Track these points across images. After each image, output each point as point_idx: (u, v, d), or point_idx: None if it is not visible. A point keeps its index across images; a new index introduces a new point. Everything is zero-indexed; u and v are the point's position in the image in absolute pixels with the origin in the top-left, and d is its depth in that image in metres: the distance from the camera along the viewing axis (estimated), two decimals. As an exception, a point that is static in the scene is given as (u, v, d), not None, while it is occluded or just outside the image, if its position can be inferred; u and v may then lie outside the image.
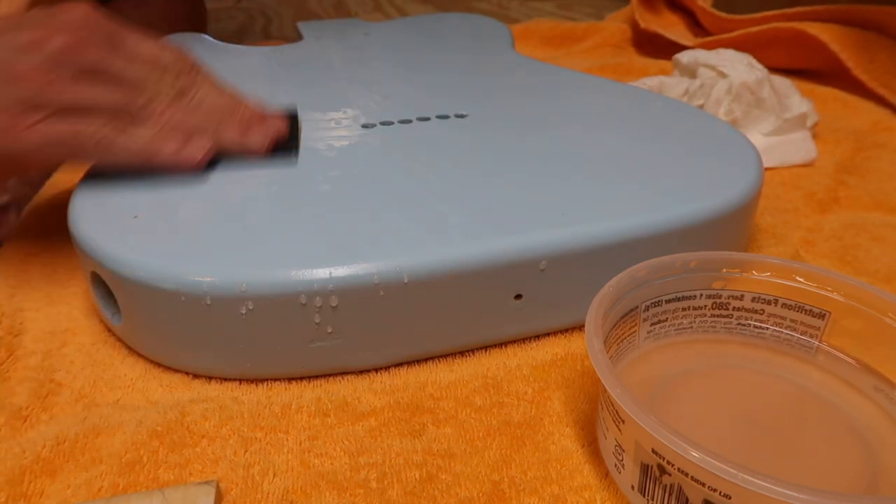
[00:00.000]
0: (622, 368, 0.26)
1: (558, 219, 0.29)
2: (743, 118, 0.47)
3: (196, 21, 0.74)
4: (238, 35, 0.91)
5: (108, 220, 0.29)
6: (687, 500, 0.20)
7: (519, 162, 0.34)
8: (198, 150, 0.32)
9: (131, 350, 0.30)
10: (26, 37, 0.28)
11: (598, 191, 0.31)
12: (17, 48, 0.28)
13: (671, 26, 0.71)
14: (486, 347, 0.30)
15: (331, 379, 0.28)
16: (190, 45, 0.54)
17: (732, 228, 0.32)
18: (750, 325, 0.28)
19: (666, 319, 0.28)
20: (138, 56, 0.31)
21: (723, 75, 0.48)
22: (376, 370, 0.29)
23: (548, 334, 0.31)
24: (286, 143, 0.36)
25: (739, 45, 0.57)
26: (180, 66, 0.33)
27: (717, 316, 0.28)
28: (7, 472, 0.24)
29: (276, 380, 0.28)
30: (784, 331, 0.28)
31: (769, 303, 0.27)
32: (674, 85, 0.51)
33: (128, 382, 0.28)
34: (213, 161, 0.33)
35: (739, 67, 0.48)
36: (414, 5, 1.03)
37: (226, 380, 0.28)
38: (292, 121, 0.38)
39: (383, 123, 0.39)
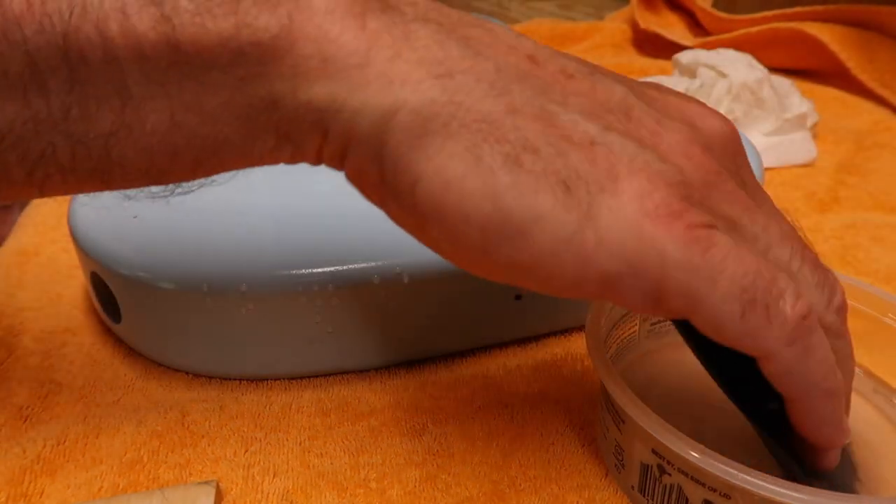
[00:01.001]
0: (622, 368, 0.26)
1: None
2: (743, 118, 0.47)
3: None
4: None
5: (108, 220, 0.29)
6: (687, 500, 0.20)
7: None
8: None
9: (131, 350, 0.30)
10: (678, 108, 0.19)
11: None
12: (666, 114, 0.18)
13: (671, 26, 0.71)
14: (486, 347, 0.30)
15: (331, 379, 0.28)
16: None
17: (732, 228, 0.32)
18: (750, 325, 0.28)
19: (666, 319, 0.27)
20: (770, 208, 0.19)
21: (723, 75, 0.48)
22: (376, 370, 0.29)
23: (548, 334, 0.31)
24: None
25: (739, 45, 0.57)
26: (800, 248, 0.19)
27: (717, 316, 0.28)
28: (7, 471, 0.24)
29: (276, 380, 0.28)
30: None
31: (769, 303, 0.27)
32: (674, 85, 0.51)
33: (128, 382, 0.28)
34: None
35: (739, 67, 0.48)
36: (414, 5, 1.03)
37: (226, 380, 0.28)
38: None
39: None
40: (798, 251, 0.18)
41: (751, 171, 0.20)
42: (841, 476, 0.21)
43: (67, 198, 0.31)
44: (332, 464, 0.24)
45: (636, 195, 0.16)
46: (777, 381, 0.17)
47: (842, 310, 0.19)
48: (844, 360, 0.19)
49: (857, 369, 0.26)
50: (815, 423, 0.18)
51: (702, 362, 0.20)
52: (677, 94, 0.20)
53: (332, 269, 0.26)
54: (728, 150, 0.19)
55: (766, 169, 0.45)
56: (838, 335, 0.19)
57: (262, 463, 0.24)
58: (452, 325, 0.28)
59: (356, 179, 0.18)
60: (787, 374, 0.17)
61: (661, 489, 0.21)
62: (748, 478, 0.18)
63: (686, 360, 0.27)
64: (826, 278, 0.19)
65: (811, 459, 0.20)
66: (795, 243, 0.18)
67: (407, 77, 0.16)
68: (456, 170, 0.15)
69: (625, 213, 0.16)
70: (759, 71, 0.48)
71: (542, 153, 0.16)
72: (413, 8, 0.17)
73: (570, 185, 0.16)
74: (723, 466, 0.18)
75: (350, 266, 0.26)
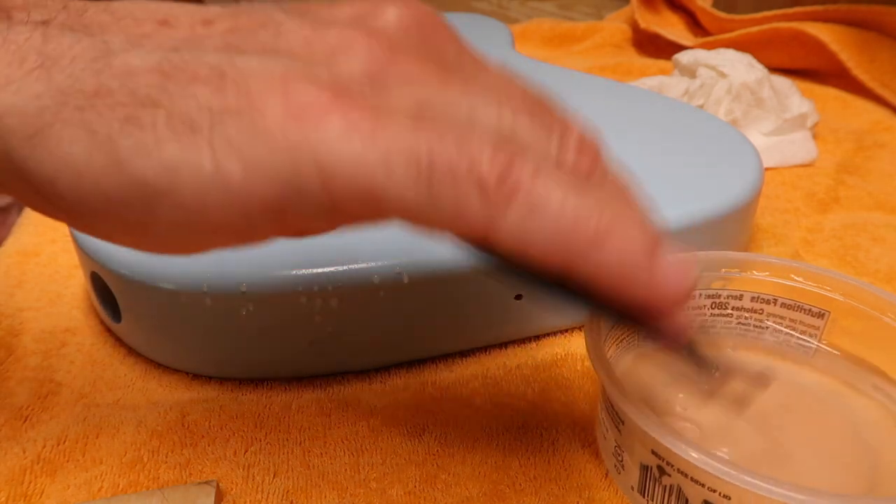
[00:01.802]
0: (622, 369, 0.26)
1: (558, 219, 0.29)
2: (743, 118, 0.47)
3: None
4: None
5: (108, 221, 0.29)
6: (686, 500, 0.20)
7: (519, 162, 0.34)
8: (682, 270, 0.16)
9: (131, 350, 0.30)
10: (346, 10, 0.17)
11: (597, 191, 0.31)
12: (329, 19, 0.17)
13: (671, 26, 0.71)
14: (486, 347, 0.30)
15: (331, 379, 0.28)
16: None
17: (732, 228, 0.32)
18: (749, 324, 0.28)
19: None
20: (487, 77, 0.18)
21: (723, 75, 0.48)
22: (376, 370, 0.29)
23: (548, 334, 0.31)
24: None
25: (739, 45, 0.57)
26: (543, 110, 0.17)
27: (717, 315, 0.28)
28: (7, 471, 0.24)
29: (276, 380, 0.28)
30: (783, 330, 0.28)
31: (768, 302, 0.27)
32: (674, 85, 0.51)
33: (128, 382, 0.28)
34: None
35: (739, 67, 0.48)
36: (414, 5, 1.03)
37: (226, 380, 0.28)
38: None
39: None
40: (508, 107, 0.16)
41: (459, 46, 0.17)
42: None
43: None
44: (332, 464, 0.24)
45: (276, 105, 0.14)
46: (521, 256, 0.15)
47: (584, 150, 0.16)
48: (614, 198, 0.16)
49: (856, 367, 0.26)
50: (611, 281, 0.15)
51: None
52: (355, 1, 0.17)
53: (332, 269, 0.26)
54: (412, 34, 0.17)
55: (767, 169, 0.45)
56: (588, 175, 0.16)
57: (262, 463, 0.24)
58: (452, 325, 0.28)
59: (29, 204, 0.16)
60: (525, 242, 0.14)
61: (660, 490, 0.21)
62: (747, 478, 0.18)
63: (686, 361, 0.27)
64: (551, 124, 0.16)
65: (663, 335, 0.17)
66: (506, 100, 0.16)
67: (3, 81, 0.15)
68: (79, 153, 0.14)
69: (265, 128, 0.14)
70: (759, 71, 0.48)
71: (162, 103, 0.14)
72: (27, 13, 0.16)
73: (196, 125, 0.14)
74: (722, 467, 0.18)
75: (350, 266, 0.26)
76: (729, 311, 0.28)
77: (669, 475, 0.20)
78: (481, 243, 0.15)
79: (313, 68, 0.15)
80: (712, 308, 0.28)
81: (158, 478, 0.24)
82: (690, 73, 0.51)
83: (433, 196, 0.14)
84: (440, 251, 0.27)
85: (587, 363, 0.29)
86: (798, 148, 0.46)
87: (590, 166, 0.16)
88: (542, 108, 0.16)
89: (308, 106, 0.14)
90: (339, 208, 0.15)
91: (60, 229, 0.37)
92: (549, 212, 0.14)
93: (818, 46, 0.57)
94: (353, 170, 0.14)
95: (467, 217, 0.14)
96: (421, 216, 0.14)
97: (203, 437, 0.25)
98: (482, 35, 0.59)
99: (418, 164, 0.14)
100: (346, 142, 0.14)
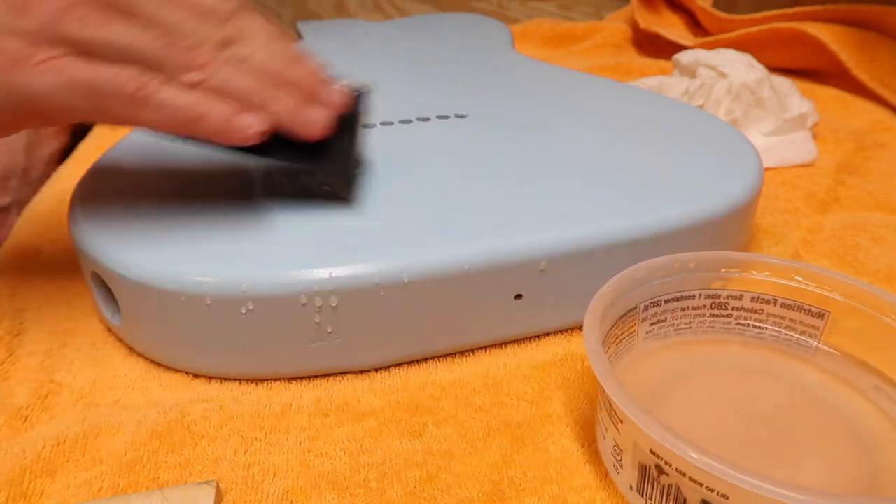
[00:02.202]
0: (621, 369, 0.26)
1: (558, 219, 0.29)
2: (743, 118, 0.47)
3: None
4: (238, 35, 0.91)
5: (108, 220, 0.29)
6: (685, 500, 0.20)
7: (519, 162, 0.34)
8: (252, 121, 0.26)
9: (131, 350, 0.30)
10: None
11: (597, 191, 0.31)
12: None
13: (671, 26, 0.71)
14: (486, 347, 0.30)
15: (331, 379, 0.28)
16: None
17: (732, 228, 0.32)
18: (749, 325, 0.28)
19: (665, 319, 0.28)
20: (153, 10, 0.26)
21: (723, 75, 0.48)
22: (376, 370, 0.29)
23: (548, 334, 0.31)
24: (342, 146, 0.29)
25: (739, 45, 0.57)
26: (225, 10, 0.27)
27: (716, 316, 0.28)
28: (7, 472, 0.24)
29: (276, 380, 0.28)
30: (783, 331, 0.28)
31: (768, 302, 0.27)
32: (674, 85, 0.51)
33: (128, 382, 0.28)
34: (269, 144, 0.27)
35: (739, 67, 0.48)
36: (414, 5, 1.03)
37: (226, 380, 0.28)
38: (349, 118, 0.30)
39: (383, 124, 0.39)
40: (148, 37, 0.25)
41: None
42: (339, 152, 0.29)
43: (67, 197, 0.31)
44: (332, 464, 0.24)
45: None
46: (164, 133, 0.26)
47: (201, 61, 0.25)
48: (221, 84, 0.26)
49: (856, 367, 0.26)
50: (215, 136, 0.26)
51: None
52: None
53: (332, 269, 0.26)
54: None
55: (767, 169, 0.45)
56: (201, 79, 0.25)
57: (262, 463, 0.24)
58: (452, 325, 0.28)
59: None
60: (156, 126, 0.25)
61: (659, 489, 0.21)
62: (746, 478, 0.18)
63: (684, 361, 0.27)
64: (172, 48, 0.25)
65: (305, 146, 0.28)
66: (144, 36, 0.25)
67: None
68: None
69: None
70: (759, 71, 0.48)
71: None
72: None
73: None
74: (720, 466, 0.18)
75: (350, 266, 0.26)
76: (729, 311, 0.28)
77: (668, 474, 0.20)
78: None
79: (19, 21, 0.23)
80: (712, 308, 0.28)
81: (158, 478, 0.24)
82: (690, 73, 0.51)
83: (98, 107, 0.24)
84: (440, 251, 0.27)
85: (587, 363, 0.29)
86: (798, 148, 0.46)
87: (202, 70, 0.25)
88: (188, 20, 0.26)
89: (15, 56, 0.23)
90: (49, 116, 0.25)
91: (60, 229, 0.37)
92: (165, 111, 0.25)
93: (818, 46, 0.58)
94: (48, 96, 0.24)
95: (122, 118, 0.25)
96: (94, 117, 0.25)
97: (203, 437, 0.25)
98: (482, 35, 0.59)
99: (86, 88, 0.24)
100: (40, 79, 0.23)
